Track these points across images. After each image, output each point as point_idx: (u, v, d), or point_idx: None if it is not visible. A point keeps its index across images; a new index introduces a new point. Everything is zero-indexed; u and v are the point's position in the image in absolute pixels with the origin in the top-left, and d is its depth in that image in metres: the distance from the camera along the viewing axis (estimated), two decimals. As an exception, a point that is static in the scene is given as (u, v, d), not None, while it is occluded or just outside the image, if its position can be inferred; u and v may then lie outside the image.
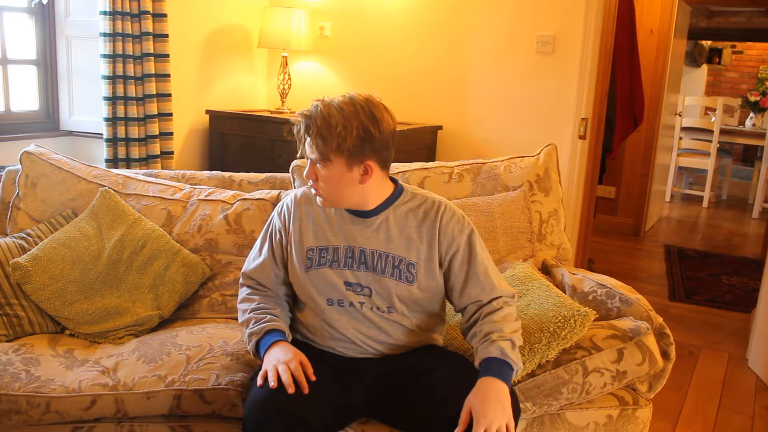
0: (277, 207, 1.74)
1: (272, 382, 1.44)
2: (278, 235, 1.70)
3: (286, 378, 1.44)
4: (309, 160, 1.55)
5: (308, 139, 1.51)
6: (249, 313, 1.64)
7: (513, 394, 1.50)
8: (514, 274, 1.98)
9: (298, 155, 1.57)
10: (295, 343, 1.62)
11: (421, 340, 1.66)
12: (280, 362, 1.48)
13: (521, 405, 1.68)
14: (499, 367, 1.47)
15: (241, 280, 1.77)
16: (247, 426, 1.43)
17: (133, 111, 3.09)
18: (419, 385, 1.53)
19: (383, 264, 1.58)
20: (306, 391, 1.44)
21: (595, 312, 1.80)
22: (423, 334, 1.66)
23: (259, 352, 1.57)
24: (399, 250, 1.58)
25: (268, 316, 1.62)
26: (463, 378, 1.50)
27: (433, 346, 1.70)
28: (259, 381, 1.47)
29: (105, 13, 2.93)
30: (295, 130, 1.54)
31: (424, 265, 1.59)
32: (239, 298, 1.73)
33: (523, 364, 1.70)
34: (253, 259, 1.74)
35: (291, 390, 1.42)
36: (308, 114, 1.50)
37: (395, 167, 2.33)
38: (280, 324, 1.61)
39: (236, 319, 2.04)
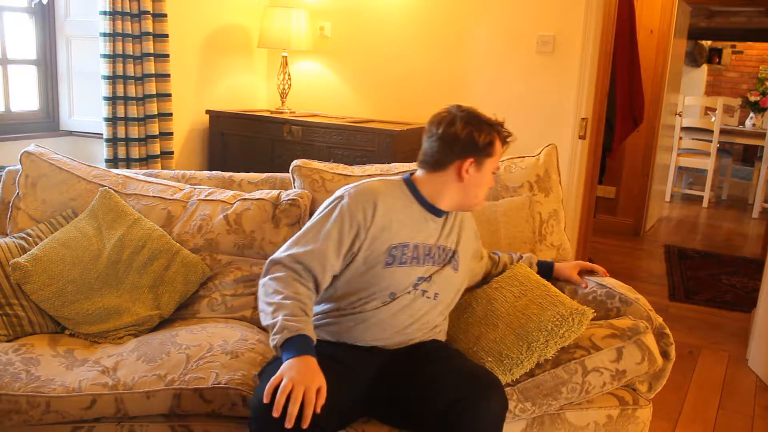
0: (351, 194, 1.65)
1: (276, 412, 1.32)
2: (354, 227, 1.62)
3: (292, 409, 1.32)
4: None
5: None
6: (289, 300, 1.50)
7: (498, 385, 1.53)
8: (513, 274, 1.98)
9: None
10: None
11: (442, 329, 1.78)
12: (298, 384, 1.35)
13: (520, 405, 1.68)
14: None
15: (279, 262, 1.59)
16: (254, 425, 1.42)
17: (133, 111, 3.09)
18: (415, 380, 1.56)
19: (446, 256, 1.75)
20: (306, 425, 1.33)
21: (593, 311, 1.80)
22: (444, 323, 1.79)
23: (279, 349, 1.45)
24: (452, 243, 1.78)
25: (305, 317, 1.51)
26: (453, 371, 1.55)
27: (438, 341, 1.77)
28: (266, 398, 1.35)
29: (105, 13, 2.93)
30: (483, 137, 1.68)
31: (461, 253, 1.80)
32: (274, 275, 1.56)
33: (521, 362, 1.71)
34: (306, 243, 1.61)
35: (288, 425, 1.31)
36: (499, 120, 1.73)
37: (395, 167, 2.33)
38: (313, 331, 1.51)
39: (236, 318, 2.05)
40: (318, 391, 1.37)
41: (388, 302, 1.65)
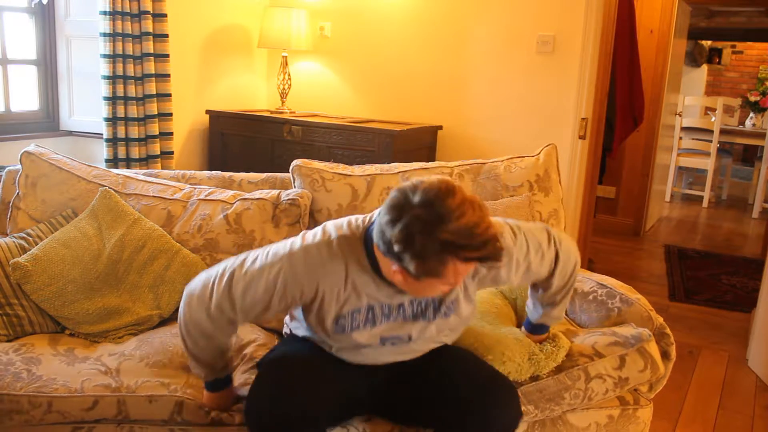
0: (291, 264, 1.43)
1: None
2: (288, 300, 1.48)
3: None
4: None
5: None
6: (225, 353, 1.60)
7: (515, 394, 1.51)
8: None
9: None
10: (305, 342, 1.61)
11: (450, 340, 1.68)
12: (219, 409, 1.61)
13: (523, 407, 1.68)
14: None
15: (206, 308, 1.48)
16: (251, 418, 1.42)
17: (133, 111, 3.09)
18: (424, 377, 1.54)
19: (425, 308, 1.54)
20: None
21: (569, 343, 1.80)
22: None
23: (208, 384, 1.62)
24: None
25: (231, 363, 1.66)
26: (467, 372, 1.52)
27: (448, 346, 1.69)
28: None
29: (105, 13, 2.93)
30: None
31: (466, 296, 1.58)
32: (214, 317, 1.47)
33: (519, 373, 1.71)
34: (243, 292, 1.45)
35: None
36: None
37: (395, 167, 2.33)
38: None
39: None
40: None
41: (363, 349, 1.52)
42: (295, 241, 1.46)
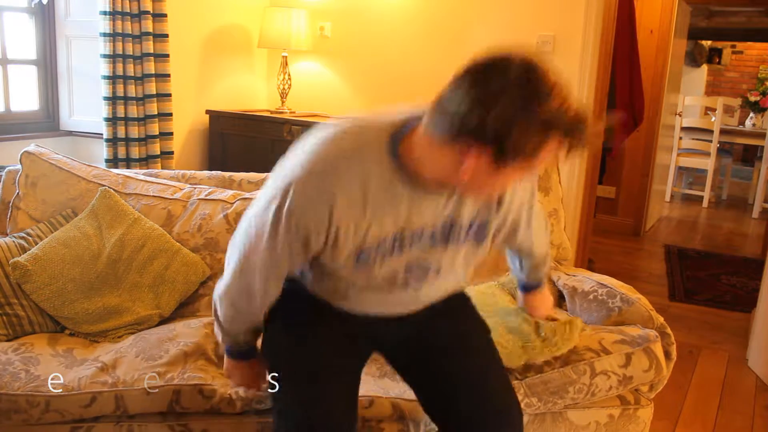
0: (297, 190, 1.21)
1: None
2: (301, 238, 1.28)
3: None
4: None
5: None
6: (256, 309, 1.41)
7: (520, 416, 1.46)
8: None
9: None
10: (308, 300, 1.44)
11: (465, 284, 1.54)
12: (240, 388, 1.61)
13: (527, 399, 1.68)
14: None
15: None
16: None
17: (133, 111, 3.09)
18: (432, 370, 1.46)
19: (458, 231, 1.41)
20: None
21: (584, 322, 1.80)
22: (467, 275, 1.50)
23: (229, 350, 1.50)
24: (471, 213, 1.40)
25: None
26: (475, 381, 1.44)
27: (460, 298, 1.56)
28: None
29: (105, 13, 2.93)
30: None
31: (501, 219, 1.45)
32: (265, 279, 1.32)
33: (510, 360, 1.70)
34: (249, 258, 1.32)
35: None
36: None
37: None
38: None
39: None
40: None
41: (377, 290, 1.36)
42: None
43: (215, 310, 1.45)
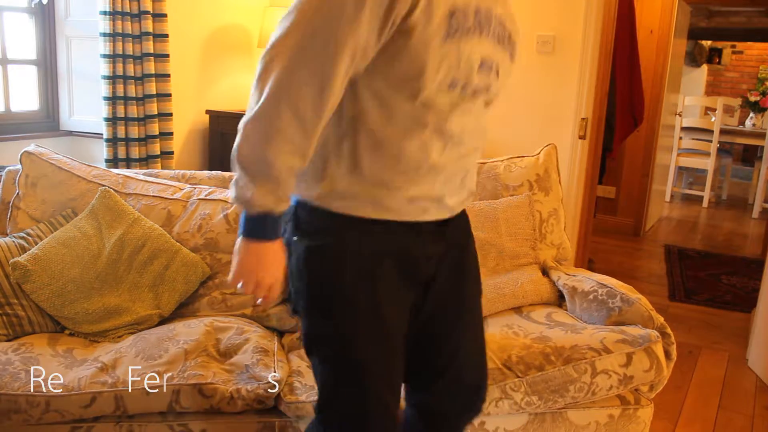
0: None
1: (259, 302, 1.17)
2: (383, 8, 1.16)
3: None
4: None
5: None
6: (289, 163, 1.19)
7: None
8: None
9: None
10: (364, 267, 1.20)
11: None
12: (269, 280, 1.18)
13: (527, 398, 1.68)
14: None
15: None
16: None
17: (133, 111, 3.09)
18: (443, 339, 1.36)
19: (508, 35, 1.42)
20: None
21: None
22: None
23: (248, 221, 1.19)
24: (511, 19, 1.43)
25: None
26: (470, 372, 1.41)
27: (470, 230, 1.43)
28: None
29: (105, 13, 2.93)
30: None
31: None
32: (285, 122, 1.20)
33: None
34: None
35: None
36: None
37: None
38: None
39: (237, 317, 2.05)
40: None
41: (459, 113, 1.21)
42: None
43: (246, 162, 1.20)
